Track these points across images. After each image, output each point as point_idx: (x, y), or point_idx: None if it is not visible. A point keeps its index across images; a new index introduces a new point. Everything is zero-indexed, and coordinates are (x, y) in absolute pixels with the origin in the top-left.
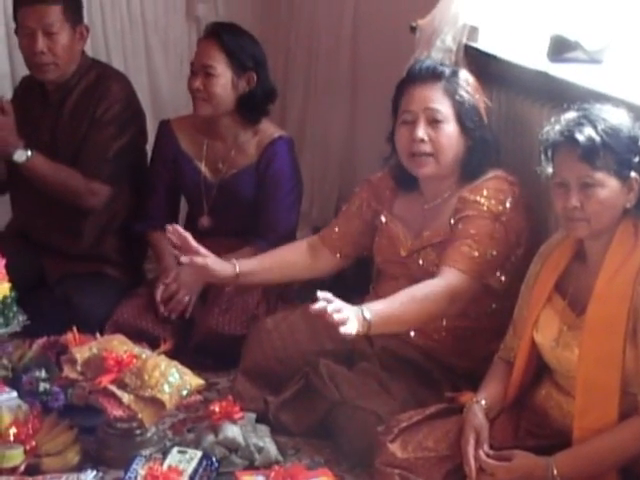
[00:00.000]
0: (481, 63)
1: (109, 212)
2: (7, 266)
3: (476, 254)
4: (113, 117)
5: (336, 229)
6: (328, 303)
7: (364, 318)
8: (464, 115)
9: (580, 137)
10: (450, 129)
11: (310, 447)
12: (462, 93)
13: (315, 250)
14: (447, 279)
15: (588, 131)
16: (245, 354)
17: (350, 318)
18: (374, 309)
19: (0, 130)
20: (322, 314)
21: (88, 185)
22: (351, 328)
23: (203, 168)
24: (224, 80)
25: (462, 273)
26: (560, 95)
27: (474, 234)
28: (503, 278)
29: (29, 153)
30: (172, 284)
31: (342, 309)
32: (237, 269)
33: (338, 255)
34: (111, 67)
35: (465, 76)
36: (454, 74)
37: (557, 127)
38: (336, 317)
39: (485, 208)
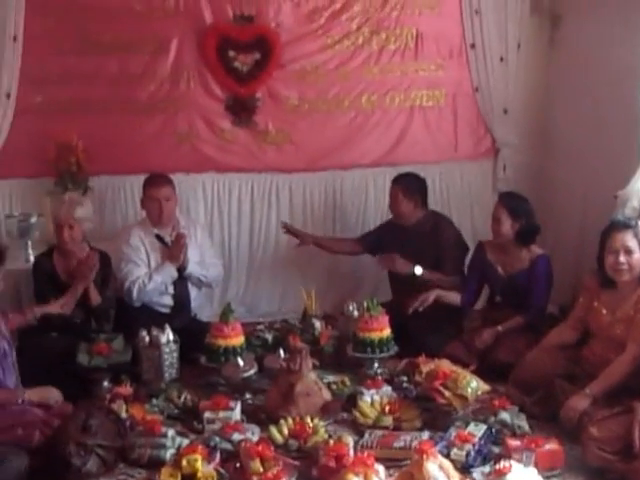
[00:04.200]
0: None
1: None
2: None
3: None
4: (451, 243)
5: (574, 317)
6: None
7: (586, 394)
8: None
9: None
10: (636, 256)
11: (547, 427)
12: None
13: (561, 331)
14: (631, 350)
15: None
16: (514, 373)
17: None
18: (593, 387)
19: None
20: None
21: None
22: (581, 405)
23: (499, 269)
24: (507, 225)
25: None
26: None
27: None
28: None
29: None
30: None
31: None
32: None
33: (577, 331)
34: (442, 214)
35: None
36: (637, 224)
37: None
38: None
39: None
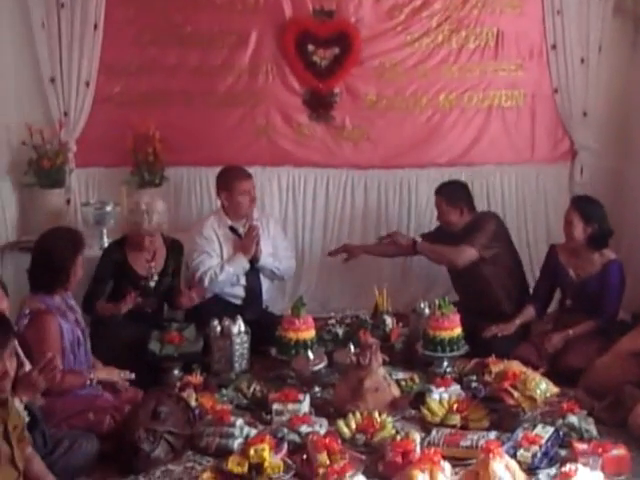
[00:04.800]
0: None
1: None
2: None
3: None
4: (485, 230)
5: None
6: None
7: None
8: None
9: None
10: None
11: (615, 433)
12: None
13: (634, 338)
14: None
15: None
16: (584, 377)
17: None
18: None
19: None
20: None
21: (458, 247)
22: None
23: (571, 272)
24: (579, 228)
25: None
26: None
27: None
28: None
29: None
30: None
31: None
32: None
33: None
34: (488, 211)
35: None
36: None
37: None
38: None
39: None
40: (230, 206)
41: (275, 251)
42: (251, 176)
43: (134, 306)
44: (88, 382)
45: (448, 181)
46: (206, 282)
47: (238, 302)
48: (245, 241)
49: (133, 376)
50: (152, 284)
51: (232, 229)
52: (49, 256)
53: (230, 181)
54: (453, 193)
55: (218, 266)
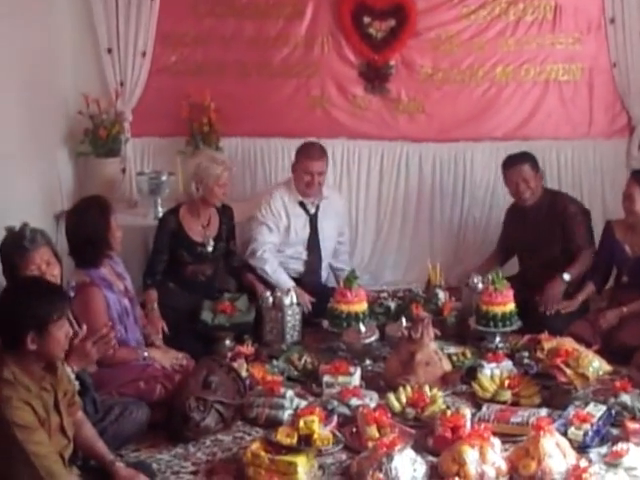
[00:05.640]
0: None
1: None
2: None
3: None
4: (574, 213)
5: None
6: None
7: None
8: None
9: None
10: None
11: None
12: None
13: None
14: None
15: None
16: (637, 356)
17: None
18: None
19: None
20: None
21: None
22: None
23: (627, 249)
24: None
25: None
26: None
27: None
28: None
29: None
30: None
31: None
32: None
33: None
34: (552, 189)
35: None
36: None
37: None
38: None
39: None
40: (294, 178)
41: (340, 239)
42: (321, 158)
43: (189, 274)
44: (141, 359)
45: (516, 153)
46: (255, 260)
47: (295, 276)
48: (303, 298)
49: (185, 362)
50: (209, 249)
51: (302, 204)
52: (84, 234)
53: (298, 155)
54: (532, 157)
55: (274, 249)
